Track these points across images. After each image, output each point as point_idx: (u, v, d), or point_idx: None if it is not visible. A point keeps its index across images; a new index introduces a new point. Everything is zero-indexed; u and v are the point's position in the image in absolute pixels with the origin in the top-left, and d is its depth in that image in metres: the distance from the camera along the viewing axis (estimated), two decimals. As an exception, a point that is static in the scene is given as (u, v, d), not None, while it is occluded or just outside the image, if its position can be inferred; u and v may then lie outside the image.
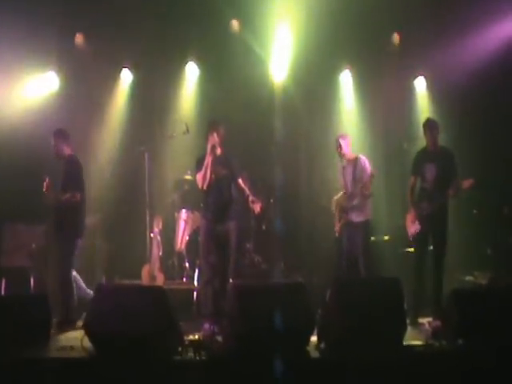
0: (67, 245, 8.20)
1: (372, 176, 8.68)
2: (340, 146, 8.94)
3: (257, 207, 8.18)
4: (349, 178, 8.90)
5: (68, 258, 8.18)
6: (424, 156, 8.36)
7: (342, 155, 8.98)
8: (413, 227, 8.31)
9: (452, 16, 9.94)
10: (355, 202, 8.81)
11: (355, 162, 8.89)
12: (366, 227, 8.86)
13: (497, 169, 9.84)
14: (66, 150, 8.42)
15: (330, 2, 9.71)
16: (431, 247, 8.33)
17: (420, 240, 8.28)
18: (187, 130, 9.15)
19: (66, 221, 8.19)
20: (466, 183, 8.01)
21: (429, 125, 8.36)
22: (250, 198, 8.17)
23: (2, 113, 10.05)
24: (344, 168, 9.00)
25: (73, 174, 8.26)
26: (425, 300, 8.14)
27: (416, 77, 10.92)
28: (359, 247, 8.74)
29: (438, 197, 8.10)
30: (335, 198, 9.17)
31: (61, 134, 8.44)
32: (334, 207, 9.15)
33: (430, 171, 8.23)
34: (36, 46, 9.94)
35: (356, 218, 8.83)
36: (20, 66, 10.17)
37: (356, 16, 9.98)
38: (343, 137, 9.03)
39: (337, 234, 9.03)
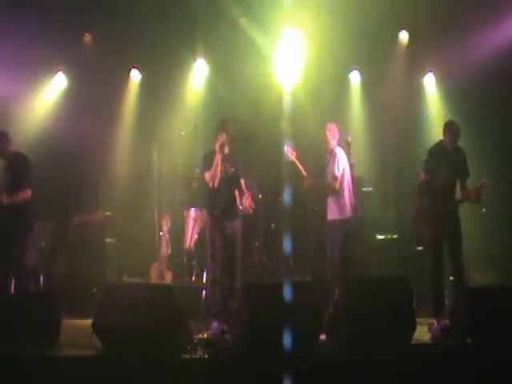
0: (20, 241, 8.16)
1: (335, 177, 8.51)
2: (325, 135, 8.74)
3: (246, 200, 8.22)
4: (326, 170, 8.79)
5: (22, 254, 8.17)
6: (439, 154, 8.03)
7: (324, 145, 8.78)
8: (426, 231, 7.95)
9: (461, 13, 9.90)
10: (328, 198, 8.68)
11: (331, 153, 8.71)
12: (344, 226, 8.57)
13: (506, 167, 9.79)
14: (11, 148, 8.36)
15: (339, 1, 9.69)
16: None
17: (435, 243, 7.92)
18: (195, 127, 9.14)
19: (18, 218, 8.16)
20: (474, 193, 7.86)
21: (449, 127, 8.00)
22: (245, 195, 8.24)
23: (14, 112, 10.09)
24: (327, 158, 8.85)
25: (24, 170, 8.23)
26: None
27: (425, 74, 10.87)
28: (336, 246, 8.54)
29: (449, 201, 7.95)
30: None
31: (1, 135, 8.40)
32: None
33: (445, 171, 7.93)
34: (45, 46, 9.95)
35: (330, 215, 8.68)
36: (29, 66, 10.19)
37: (364, 15, 9.95)
38: (330, 127, 8.77)
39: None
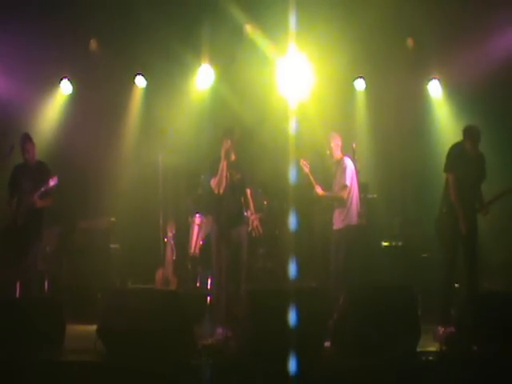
0: (38, 245, 8.45)
1: (344, 186, 8.57)
2: (329, 146, 8.82)
3: (254, 221, 8.27)
4: (333, 180, 8.85)
5: (37, 257, 8.36)
6: (462, 158, 7.89)
7: (330, 156, 8.86)
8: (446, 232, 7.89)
9: (466, 20, 9.89)
10: (335, 206, 8.73)
11: (339, 163, 8.78)
12: (347, 234, 8.62)
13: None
14: (34, 151, 8.55)
15: (344, 8, 9.70)
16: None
17: (452, 246, 7.85)
18: None
19: (39, 222, 8.40)
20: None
21: (469, 132, 7.90)
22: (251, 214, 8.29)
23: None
24: (332, 170, 8.91)
25: (48, 176, 8.39)
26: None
27: (430, 80, 10.85)
28: (340, 254, 8.57)
29: (470, 205, 7.81)
30: None
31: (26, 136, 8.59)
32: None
33: (468, 176, 7.83)
34: (50, 53, 9.98)
35: (336, 224, 8.73)
36: (35, 73, 10.21)
37: (369, 23, 9.94)
38: (333, 136, 8.84)
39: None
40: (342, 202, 8.63)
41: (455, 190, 7.81)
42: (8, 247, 8.45)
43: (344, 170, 8.65)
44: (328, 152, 8.86)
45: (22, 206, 8.35)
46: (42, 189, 8.25)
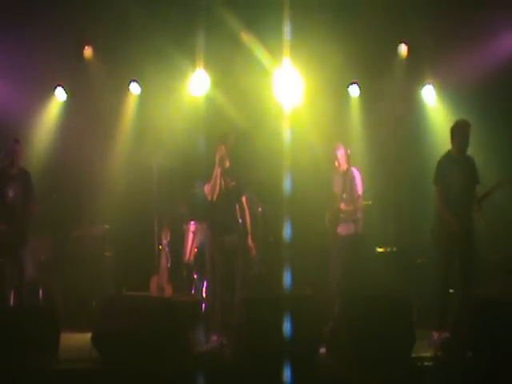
0: (26, 252, 8.38)
1: (359, 197, 8.71)
2: (336, 156, 8.86)
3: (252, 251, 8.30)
4: (338, 189, 8.85)
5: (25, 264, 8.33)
6: (448, 165, 7.92)
7: (337, 166, 8.91)
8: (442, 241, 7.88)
9: (460, 25, 9.90)
10: (342, 215, 8.76)
11: (346, 173, 8.82)
12: (355, 241, 8.72)
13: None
14: (21, 158, 8.49)
15: (338, 14, 9.72)
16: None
17: (448, 254, 7.82)
18: None
19: (28, 229, 8.39)
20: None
21: (455, 128, 7.92)
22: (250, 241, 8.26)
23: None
24: (337, 179, 8.95)
25: (32, 182, 8.46)
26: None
27: (424, 86, 10.85)
28: (347, 261, 8.62)
29: (464, 212, 7.84)
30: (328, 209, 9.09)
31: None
32: (326, 219, 9.06)
33: (457, 180, 7.83)
34: (44, 59, 9.97)
35: (344, 231, 8.76)
36: (28, 81, 10.21)
37: (363, 29, 9.97)
38: (339, 148, 8.89)
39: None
40: (358, 211, 8.76)
41: (441, 201, 7.88)
42: None
43: (353, 180, 8.77)
44: (336, 163, 8.88)
45: (8, 211, 8.25)
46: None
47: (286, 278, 9.00)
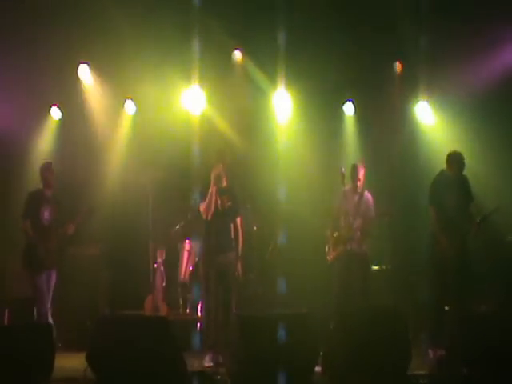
0: None
1: (373, 219, 8.72)
2: (357, 176, 8.76)
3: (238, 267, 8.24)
4: (351, 207, 8.80)
5: None
6: (443, 184, 8.01)
7: (357, 186, 8.79)
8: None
9: (454, 42, 9.95)
10: (357, 233, 8.75)
11: (361, 195, 8.76)
12: (366, 258, 8.76)
13: (499, 196, 9.77)
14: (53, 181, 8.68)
15: (332, 33, 9.77)
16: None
17: (444, 271, 7.90)
18: None
19: None
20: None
21: (452, 159, 8.05)
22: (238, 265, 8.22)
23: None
24: (348, 197, 8.81)
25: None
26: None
27: (419, 103, 10.88)
28: (358, 277, 8.61)
29: (460, 231, 7.87)
30: (331, 224, 9.05)
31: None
32: (329, 233, 9.00)
33: (451, 199, 7.91)
34: (39, 78, 10.00)
35: (357, 248, 8.70)
36: (26, 100, 10.23)
37: (358, 47, 10.02)
38: (361, 168, 8.82)
39: (329, 261, 8.93)
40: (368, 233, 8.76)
41: (437, 222, 7.93)
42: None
43: (370, 201, 8.77)
44: (358, 183, 8.77)
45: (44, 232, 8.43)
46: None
47: (282, 297, 9.00)
